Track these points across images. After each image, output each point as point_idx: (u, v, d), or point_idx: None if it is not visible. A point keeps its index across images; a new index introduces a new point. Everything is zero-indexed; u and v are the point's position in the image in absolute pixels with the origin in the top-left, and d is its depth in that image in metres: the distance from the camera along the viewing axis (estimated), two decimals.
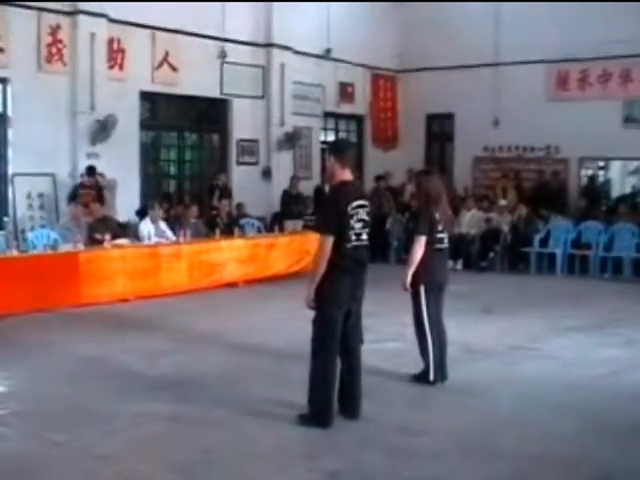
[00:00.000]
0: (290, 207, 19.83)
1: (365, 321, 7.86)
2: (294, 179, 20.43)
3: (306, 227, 18.52)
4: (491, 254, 19.00)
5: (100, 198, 15.94)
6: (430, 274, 8.88)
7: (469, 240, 18.98)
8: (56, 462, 6.64)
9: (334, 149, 8.04)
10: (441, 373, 8.95)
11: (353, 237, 7.40)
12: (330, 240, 7.28)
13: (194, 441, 7.08)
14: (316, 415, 7.44)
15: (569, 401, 8.43)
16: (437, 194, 9.08)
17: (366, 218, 7.54)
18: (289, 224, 18.80)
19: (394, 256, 19.84)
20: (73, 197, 15.91)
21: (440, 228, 8.96)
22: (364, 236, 7.52)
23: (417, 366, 8.98)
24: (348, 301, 7.49)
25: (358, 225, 7.45)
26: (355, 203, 7.45)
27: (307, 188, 20.96)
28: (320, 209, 8.96)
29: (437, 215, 8.92)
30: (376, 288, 8.76)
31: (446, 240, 9.11)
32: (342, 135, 23.86)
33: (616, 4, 20.19)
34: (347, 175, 7.62)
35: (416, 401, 8.53)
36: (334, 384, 7.52)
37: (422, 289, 8.83)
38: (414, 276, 8.87)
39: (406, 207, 20.58)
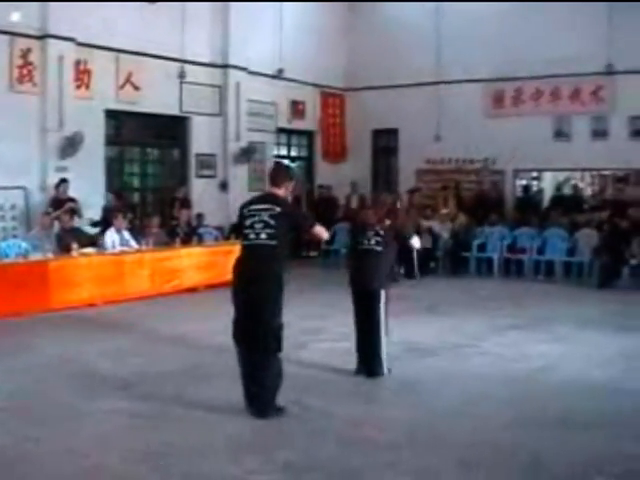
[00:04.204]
0: None
1: (318, 322, 7.90)
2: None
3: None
4: (432, 264, 18.94)
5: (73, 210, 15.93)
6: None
7: None
8: (31, 456, 6.60)
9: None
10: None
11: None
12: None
13: (156, 435, 7.07)
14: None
15: (507, 394, 8.51)
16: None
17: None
18: None
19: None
20: (54, 206, 15.79)
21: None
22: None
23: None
24: None
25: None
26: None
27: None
28: (297, 211, 9.12)
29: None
30: (327, 292, 8.77)
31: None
32: (294, 149, 24.08)
33: (547, 28, 20.42)
34: (279, 189, 8.17)
35: (365, 396, 8.57)
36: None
37: (383, 293, 9.05)
38: (380, 281, 9.11)
39: (350, 216, 20.31)
